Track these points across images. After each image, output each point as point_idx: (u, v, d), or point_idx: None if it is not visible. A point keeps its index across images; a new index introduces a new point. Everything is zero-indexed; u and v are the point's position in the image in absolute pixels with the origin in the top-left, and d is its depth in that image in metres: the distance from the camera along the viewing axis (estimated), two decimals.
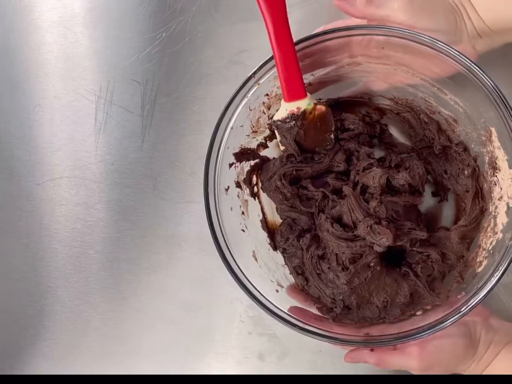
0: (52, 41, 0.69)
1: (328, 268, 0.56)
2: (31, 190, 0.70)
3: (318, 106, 0.54)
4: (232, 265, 0.53)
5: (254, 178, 0.60)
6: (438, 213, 0.62)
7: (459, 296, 0.52)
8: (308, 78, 0.56)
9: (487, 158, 0.54)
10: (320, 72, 0.56)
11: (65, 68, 0.69)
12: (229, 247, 0.53)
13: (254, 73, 0.52)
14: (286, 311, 0.53)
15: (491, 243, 0.53)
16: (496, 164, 0.53)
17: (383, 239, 0.52)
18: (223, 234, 0.53)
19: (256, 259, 0.57)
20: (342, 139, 0.59)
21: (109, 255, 0.69)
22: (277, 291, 0.56)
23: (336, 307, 0.56)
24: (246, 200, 0.59)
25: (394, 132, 0.63)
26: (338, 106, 0.60)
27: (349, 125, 0.59)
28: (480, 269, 0.53)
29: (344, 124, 0.59)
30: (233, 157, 0.56)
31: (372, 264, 0.55)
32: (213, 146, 0.53)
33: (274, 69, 0.52)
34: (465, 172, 0.57)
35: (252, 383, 0.62)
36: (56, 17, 0.69)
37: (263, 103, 0.56)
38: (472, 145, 0.56)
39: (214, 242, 0.52)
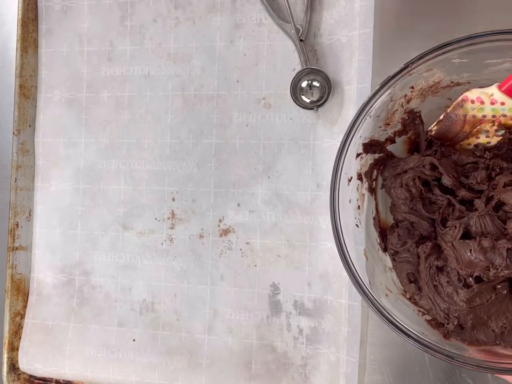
0: None
1: (448, 281, 0.51)
2: None
3: None
4: (347, 259, 0.48)
5: (374, 173, 0.56)
6: None
7: None
8: None
9: None
10: None
11: None
12: (344, 239, 0.49)
13: (412, 62, 0.46)
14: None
15: None
16: None
17: None
18: (340, 225, 0.49)
19: (366, 257, 0.52)
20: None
21: None
22: (386, 295, 0.51)
23: (449, 323, 0.50)
24: (363, 195, 0.54)
25: None
26: None
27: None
28: None
29: None
30: (362, 147, 0.52)
31: (499, 286, 0.49)
32: (350, 133, 0.48)
33: (430, 62, 0.46)
34: None
35: None
36: None
37: (405, 95, 0.51)
38: None
39: (333, 231, 0.49)
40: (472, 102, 0.47)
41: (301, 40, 0.61)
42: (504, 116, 0.47)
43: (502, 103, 0.45)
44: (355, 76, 0.59)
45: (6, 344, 0.69)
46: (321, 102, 0.60)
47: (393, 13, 0.60)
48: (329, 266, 0.60)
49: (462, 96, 0.48)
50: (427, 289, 0.52)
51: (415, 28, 0.59)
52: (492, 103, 0.46)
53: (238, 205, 0.64)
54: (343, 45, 0.60)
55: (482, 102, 0.46)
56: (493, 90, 0.45)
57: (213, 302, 0.64)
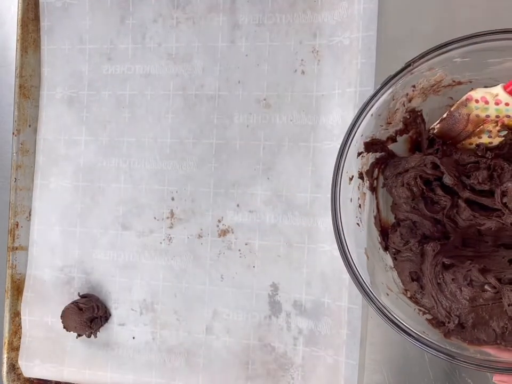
0: None
1: (453, 279, 0.51)
2: None
3: None
4: (348, 258, 0.49)
5: (375, 172, 0.56)
6: None
7: None
8: None
9: None
10: None
11: None
12: (345, 238, 0.49)
13: (414, 61, 0.47)
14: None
15: None
16: None
17: None
18: (341, 224, 0.49)
19: (367, 256, 0.52)
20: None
21: None
22: (387, 294, 0.52)
23: (449, 322, 0.51)
24: (364, 194, 0.54)
25: None
26: None
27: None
28: None
29: None
30: (363, 146, 0.52)
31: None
32: (351, 132, 0.49)
33: (432, 61, 0.47)
34: None
35: None
36: None
37: (407, 94, 0.51)
38: None
39: (334, 230, 0.49)
40: (477, 101, 0.47)
41: None
42: (508, 116, 0.47)
43: (507, 104, 0.45)
44: (357, 79, 0.59)
45: (6, 344, 0.69)
46: None
47: (395, 16, 0.60)
48: (327, 269, 0.60)
49: (466, 95, 0.48)
50: (430, 287, 0.52)
51: (417, 30, 0.59)
52: (497, 104, 0.46)
53: (238, 205, 0.64)
54: (345, 47, 0.60)
55: (486, 102, 0.46)
56: (498, 90, 0.45)
57: (211, 302, 0.64)
